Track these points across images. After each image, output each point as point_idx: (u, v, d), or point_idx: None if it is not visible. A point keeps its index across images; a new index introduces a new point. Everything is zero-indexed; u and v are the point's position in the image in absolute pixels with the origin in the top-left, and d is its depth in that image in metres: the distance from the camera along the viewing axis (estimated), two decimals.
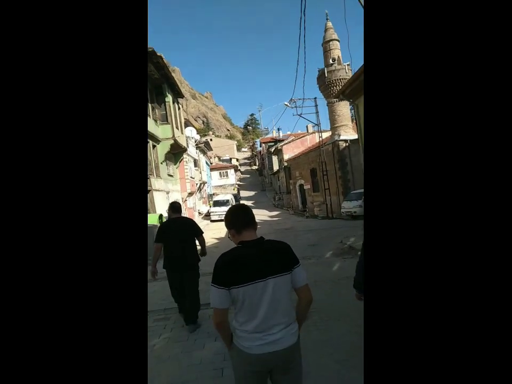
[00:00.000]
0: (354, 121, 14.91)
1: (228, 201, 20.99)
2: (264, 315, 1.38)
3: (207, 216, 21.32)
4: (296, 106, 16.97)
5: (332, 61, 17.30)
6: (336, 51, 17.63)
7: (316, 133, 28.01)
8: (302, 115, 17.13)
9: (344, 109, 17.70)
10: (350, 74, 17.36)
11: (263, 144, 40.14)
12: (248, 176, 49.59)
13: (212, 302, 1.40)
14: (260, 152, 43.68)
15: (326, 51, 17.63)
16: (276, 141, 35.90)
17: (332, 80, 17.28)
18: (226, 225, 1.54)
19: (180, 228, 3.66)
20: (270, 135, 42.03)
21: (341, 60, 17.62)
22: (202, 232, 3.96)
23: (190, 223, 3.91)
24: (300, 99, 16.77)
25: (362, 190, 14.82)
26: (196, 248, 3.83)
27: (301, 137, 28.16)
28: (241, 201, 27.89)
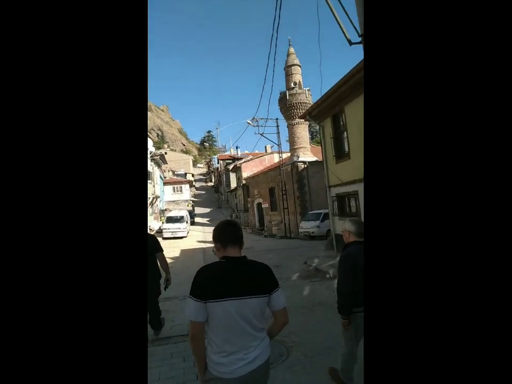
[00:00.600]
0: (319, 143, 15.32)
1: (182, 217, 19.94)
2: (241, 333, 1.36)
3: (159, 233, 19.98)
4: (258, 126, 17.02)
5: (293, 85, 17.87)
6: (298, 76, 18.29)
7: (274, 153, 28.58)
8: (263, 134, 17.18)
9: (303, 131, 18.22)
10: (310, 99, 18.08)
11: (221, 161, 39.74)
12: (204, 192, 48.51)
13: (187, 314, 1.38)
14: (217, 168, 43.15)
15: (288, 75, 18.20)
16: (234, 158, 35.84)
17: (293, 103, 17.77)
18: (213, 238, 1.53)
19: None
20: (227, 153, 41.91)
21: (302, 84, 18.30)
22: (162, 250, 3.73)
23: (151, 238, 3.70)
24: (262, 118, 16.89)
25: (320, 211, 15.13)
26: (157, 263, 3.64)
27: (260, 156, 28.41)
28: (196, 218, 26.89)
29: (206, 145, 75.94)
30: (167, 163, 32.21)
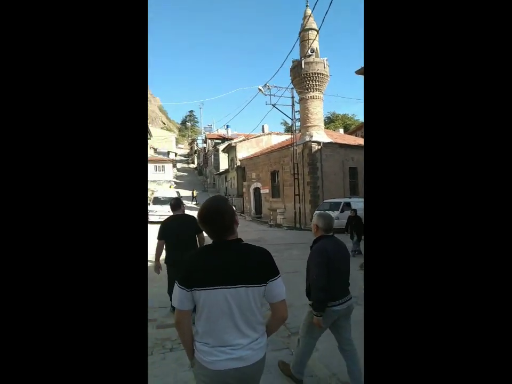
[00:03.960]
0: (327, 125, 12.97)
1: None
2: (227, 327, 1.23)
3: None
4: (270, 94, 14.39)
5: (311, 52, 15.37)
6: (315, 42, 15.80)
7: (273, 134, 26.10)
8: (276, 105, 14.58)
9: (318, 107, 15.89)
10: (327, 71, 15.72)
11: (209, 140, 36.61)
12: (186, 174, 45.10)
13: (173, 299, 1.31)
14: (204, 149, 39.89)
15: (304, 40, 15.65)
16: (224, 138, 32.93)
17: (309, 73, 15.31)
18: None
19: (181, 224, 3.67)
20: (214, 132, 38.74)
21: (319, 52, 15.85)
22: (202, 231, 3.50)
23: (191, 220, 3.77)
24: (275, 86, 14.27)
25: (339, 200, 13.04)
26: (197, 245, 3.78)
27: (257, 136, 25.82)
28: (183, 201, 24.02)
29: (188, 125, 71.82)
30: (151, 136, 28.87)
